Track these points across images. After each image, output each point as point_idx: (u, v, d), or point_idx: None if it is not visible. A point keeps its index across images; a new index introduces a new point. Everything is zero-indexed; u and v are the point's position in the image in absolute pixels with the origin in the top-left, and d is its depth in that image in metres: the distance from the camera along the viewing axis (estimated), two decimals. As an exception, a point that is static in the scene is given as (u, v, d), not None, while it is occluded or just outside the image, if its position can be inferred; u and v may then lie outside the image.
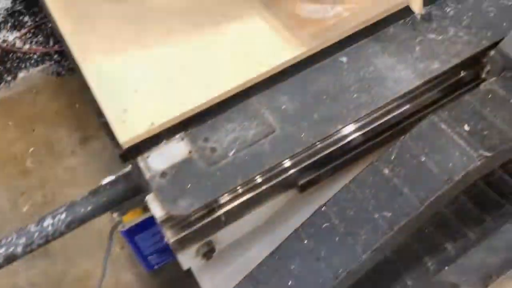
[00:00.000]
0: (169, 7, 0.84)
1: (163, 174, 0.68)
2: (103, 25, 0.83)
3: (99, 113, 0.73)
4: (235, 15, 0.81)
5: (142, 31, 0.81)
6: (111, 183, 0.76)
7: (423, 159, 0.69)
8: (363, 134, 0.72)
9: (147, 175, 0.69)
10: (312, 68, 0.76)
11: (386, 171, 0.70)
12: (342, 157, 0.74)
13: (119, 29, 0.82)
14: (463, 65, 0.75)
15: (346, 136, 0.71)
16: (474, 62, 0.76)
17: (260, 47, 0.76)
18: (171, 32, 0.80)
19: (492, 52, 0.76)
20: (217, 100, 0.72)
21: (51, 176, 1.75)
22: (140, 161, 0.71)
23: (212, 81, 0.73)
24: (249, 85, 0.73)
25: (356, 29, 0.77)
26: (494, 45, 0.75)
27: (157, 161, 0.70)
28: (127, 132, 0.69)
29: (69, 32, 0.83)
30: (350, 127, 0.71)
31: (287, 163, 0.70)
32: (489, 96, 0.73)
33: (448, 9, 0.81)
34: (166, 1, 0.85)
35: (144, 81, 0.74)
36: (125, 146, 0.69)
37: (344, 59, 0.77)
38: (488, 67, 0.77)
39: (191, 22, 0.81)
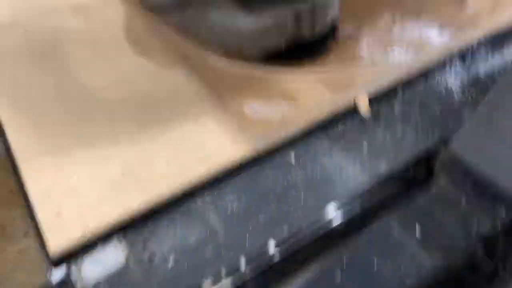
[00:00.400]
0: (115, 101, 0.82)
1: (96, 285, 0.63)
2: (45, 119, 0.80)
3: (32, 215, 0.69)
4: (183, 112, 0.79)
5: (85, 127, 0.78)
6: (43, 291, 0.70)
7: (375, 265, 0.66)
8: (311, 236, 0.69)
9: (79, 287, 0.63)
10: (260, 167, 0.74)
11: (338, 278, 0.67)
12: (291, 260, 0.70)
13: (61, 123, 0.79)
14: (412, 164, 0.74)
15: (293, 237, 0.68)
16: (424, 161, 0.76)
17: (207, 146, 0.74)
18: (115, 128, 0.77)
19: (441, 151, 0.76)
20: (160, 202, 0.69)
21: (0, 261, 1.64)
22: (72, 269, 0.65)
23: (155, 181, 0.70)
24: (193, 185, 0.70)
25: (304, 128, 0.76)
26: (443, 143, 0.76)
27: (90, 270, 0.64)
28: (59, 239, 0.64)
29: (10, 125, 0.80)
30: (297, 229, 0.68)
31: (232, 270, 0.65)
32: (440, 198, 0.72)
33: (395, 107, 0.81)
34: (112, 95, 0.83)
35: (82, 181, 0.70)
36: (56, 255, 0.64)
37: (292, 157, 0.75)
38: (438, 166, 0.77)
39: (137, 118, 0.79)
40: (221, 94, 0.80)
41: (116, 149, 0.74)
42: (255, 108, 0.76)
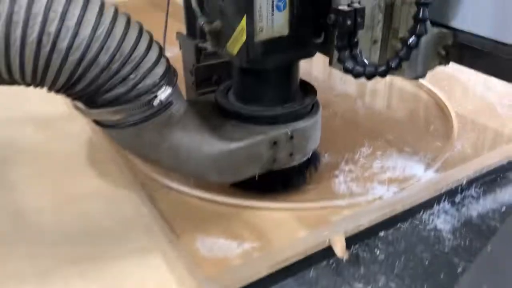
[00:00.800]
0: (50, 227, 0.71)
1: None
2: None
3: None
4: (128, 244, 0.67)
5: (2, 256, 0.65)
6: None
7: None
8: None
9: None
10: (211, 321, 0.60)
11: None
12: None
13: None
14: (397, 326, 0.61)
15: None
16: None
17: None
18: (40, 260, 0.64)
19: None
20: None
21: None
22: None
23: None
24: None
25: (268, 272, 0.64)
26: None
27: None
28: None
29: None
30: None
31: None
32: None
33: (378, 252, 0.70)
34: (49, 220, 0.72)
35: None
36: None
37: (252, 310, 0.62)
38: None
39: (71, 248, 0.67)
40: (174, 225, 0.69)
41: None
42: (211, 244, 0.65)
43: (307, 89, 0.75)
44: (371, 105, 1.05)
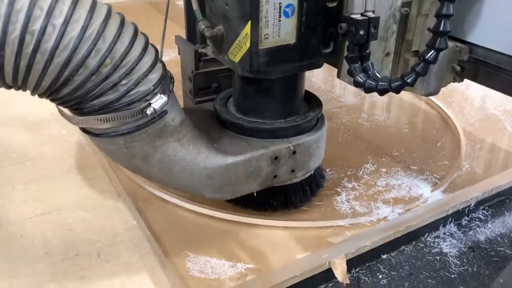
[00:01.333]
0: (27, 240, 0.66)
1: None
2: None
3: None
4: (113, 261, 0.63)
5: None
6: None
7: None
8: None
9: None
10: None
11: None
12: None
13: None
14: None
15: None
16: None
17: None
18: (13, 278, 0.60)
19: None
20: None
21: None
22: None
23: None
24: None
25: (263, 296, 0.60)
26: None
27: None
28: None
29: None
30: None
31: None
32: None
33: (380, 276, 0.66)
34: (28, 231, 0.68)
35: None
36: None
37: (244, 337, 0.57)
38: None
39: (50, 262, 0.62)
40: (164, 241, 0.64)
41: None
42: (203, 263, 0.60)
43: (312, 101, 0.71)
44: (375, 118, 1.00)
